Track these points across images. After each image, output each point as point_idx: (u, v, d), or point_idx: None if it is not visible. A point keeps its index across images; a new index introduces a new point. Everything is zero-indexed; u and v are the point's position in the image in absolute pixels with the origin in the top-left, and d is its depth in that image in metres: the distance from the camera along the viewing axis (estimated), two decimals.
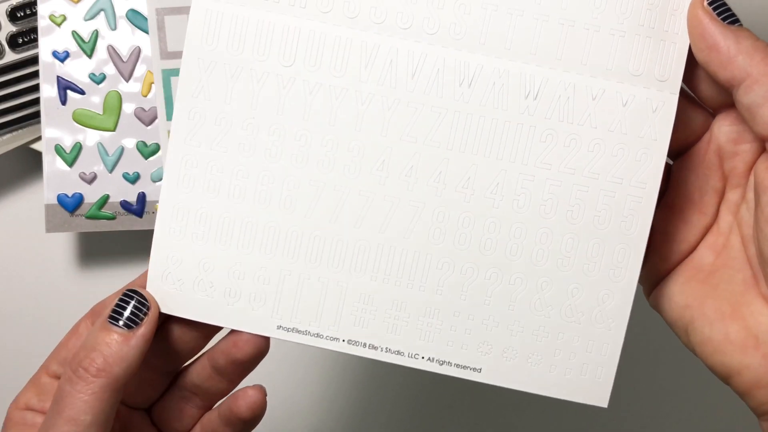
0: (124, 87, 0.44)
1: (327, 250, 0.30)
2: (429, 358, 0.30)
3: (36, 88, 0.45)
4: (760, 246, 0.28)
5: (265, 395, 0.32)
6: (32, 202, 0.49)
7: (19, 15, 0.44)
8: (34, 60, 0.44)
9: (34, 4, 0.43)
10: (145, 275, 0.31)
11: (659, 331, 0.33)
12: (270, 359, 0.32)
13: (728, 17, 0.28)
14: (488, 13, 0.29)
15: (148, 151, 0.44)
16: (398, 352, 0.30)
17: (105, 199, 0.44)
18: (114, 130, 0.44)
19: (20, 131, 0.45)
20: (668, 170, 0.32)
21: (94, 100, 0.44)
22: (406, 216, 0.30)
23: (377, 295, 0.30)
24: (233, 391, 0.33)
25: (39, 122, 0.44)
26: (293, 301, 0.30)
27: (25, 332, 0.51)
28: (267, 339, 0.31)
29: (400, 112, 0.30)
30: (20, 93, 0.45)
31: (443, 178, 0.30)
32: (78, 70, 0.44)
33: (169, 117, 0.44)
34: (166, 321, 0.32)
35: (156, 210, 0.42)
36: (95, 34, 0.43)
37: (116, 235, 0.49)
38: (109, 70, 0.44)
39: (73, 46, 0.43)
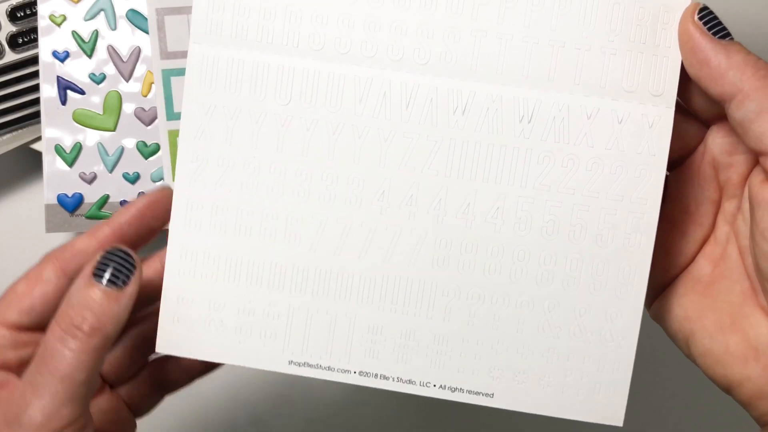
0: (124, 87, 0.44)
1: (333, 283, 0.31)
2: (441, 386, 0.31)
3: (36, 88, 0.44)
4: (756, 260, 0.28)
5: None
6: (32, 202, 0.49)
7: (19, 15, 0.44)
8: (34, 60, 0.44)
9: (34, 4, 0.43)
10: (119, 214, 0.31)
11: (666, 343, 0.33)
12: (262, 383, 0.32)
13: (719, 31, 0.28)
14: (477, 39, 0.29)
15: (148, 151, 0.44)
16: (410, 381, 0.31)
17: (105, 199, 0.44)
18: (114, 130, 0.44)
19: (20, 131, 0.45)
20: (664, 182, 0.32)
21: (94, 100, 0.44)
22: (410, 245, 0.30)
23: (386, 326, 0.31)
24: None
25: (39, 122, 0.44)
26: (303, 335, 0.31)
27: None
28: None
29: (396, 143, 0.30)
30: (20, 93, 0.45)
31: (444, 206, 0.30)
32: (78, 70, 0.44)
33: (169, 117, 0.44)
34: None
35: None
36: (95, 34, 0.43)
37: None
38: (109, 70, 0.44)
39: (73, 46, 0.43)
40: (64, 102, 0.44)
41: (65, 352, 0.27)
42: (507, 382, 0.30)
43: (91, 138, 0.44)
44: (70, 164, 0.44)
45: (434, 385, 0.31)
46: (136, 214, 0.31)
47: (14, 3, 0.44)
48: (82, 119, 0.44)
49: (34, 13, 0.44)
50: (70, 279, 0.30)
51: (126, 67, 0.44)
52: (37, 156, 0.47)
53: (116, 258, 0.29)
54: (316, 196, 0.30)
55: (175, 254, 0.31)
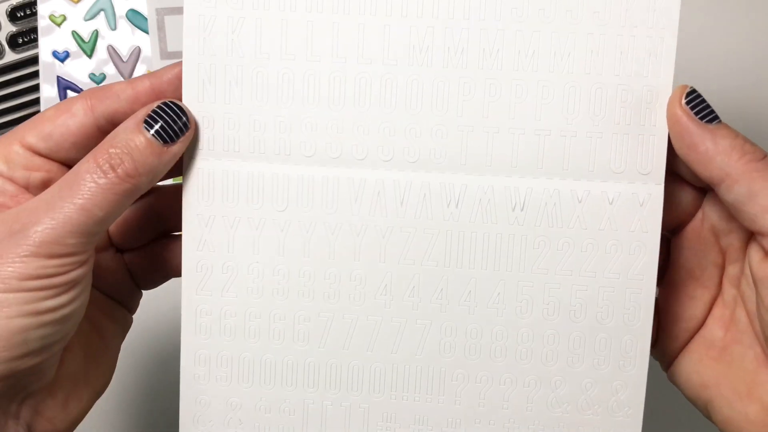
0: None
1: (345, 376, 0.31)
2: None
3: (36, 88, 0.45)
4: (765, 332, 0.29)
5: None
6: None
7: (19, 15, 0.44)
8: (34, 60, 0.45)
9: (34, 4, 0.44)
10: (162, 71, 0.30)
11: (679, 401, 0.34)
12: None
13: (706, 115, 0.28)
14: (465, 134, 0.30)
15: None
16: None
17: None
18: None
19: None
20: (667, 247, 0.32)
21: None
22: (415, 334, 0.31)
23: (399, 412, 0.31)
24: None
25: None
26: (320, 428, 0.32)
27: None
28: None
29: (394, 239, 0.31)
30: (20, 93, 0.45)
31: (445, 295, 0.31)
32: (78, 70, 0.44)
33: None
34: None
35: None
36: (95, 34, 0.44)
37: None
38: (109, 70, 0.44)
39: (73, 46, 0.44)
40: None
41: (92, 185, 0.27)
42: None
43: None
44: None
45: None
46: (179, 75, 0.30)
47: (14, 3, 0.44)
48: None
49: (34, 13, 0.44)
50: (96, 118, 0.29)
51: (126, 67, 0.44)
52: None
53: (171, 113, 0.28)
54: (321, 295, 0.31)
55: (188, 360, 0.32)
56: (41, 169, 0.30)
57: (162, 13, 0.43)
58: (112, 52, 0.44)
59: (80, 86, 0.44)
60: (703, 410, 0.31)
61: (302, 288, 0.31)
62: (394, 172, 0.30)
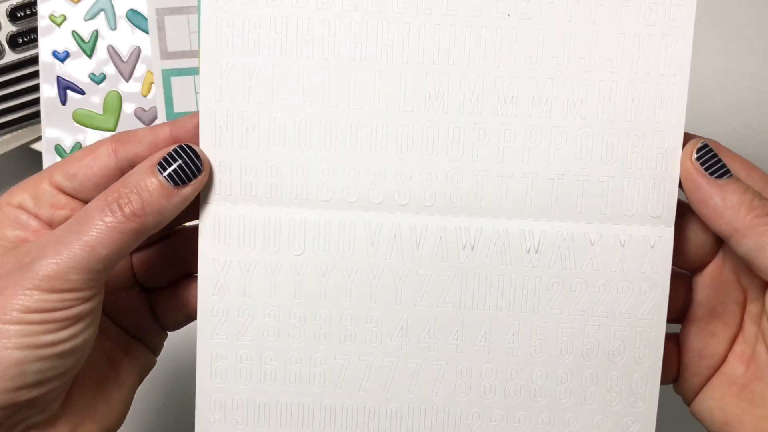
0: (124, 87, 0.44)
1: (361, 418, 0.32)
2: None
3: (36, 88, 0.45)
4: None
5: None
6: None
7: (19, 15, 0.44)
8: (34, 60, 0.44)
9: (34, 4, 0.43)
10: (183, 120, 0.30)
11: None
12: None
13: (717, 170, 0.29)
14: (479, 178, 0.30)
15: None
16: None
17: None
18: (114, 130, 0.44)
19: (20, 131, 0.46)
20: (689, 286, 0.33)
21: (94, 100, 0.44)
22: (431, 375, 0.31)
23: None
24: None
25: (39, 122, 0.44)
26: None
27: None
28: None
29: (410, 282, 0.31)
30: (20, 93, 0.45)
31: (461, 335, 0.31)
32: (78, 70, 0.44)
33: (169, 117, 0.44)
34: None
35: None
36: (95, 34, 0.44)
37: None
38: (109, 70, 0.44)
39: (73, 46, 0.44)
40: (64, 102, 0.44)
41: (98, 223, 0.28)
42: None
43: (91, 138, 0.44)
44: None
45: None
46: (198, 125, 0.30)
47: (14, 3, 0.44)
48: (82, 119, 0.44)
49: (34, 13, 0.44)
50: (119, 161, 0.30)
51: (126, 67, 0.44)
52: (37, 156, 0.47)
53: (184, 156, 0.29)
54: (337, 337, 0.31)
55: (203, 404, 0.32)
56: (66, 207, 0.30)
57: (162, 13, 0.43)
58: (112, 52, 0.44)
59: (80, 86, 0.44)
60: None
61: (318, 330, 0.31)
62: (410, 216, 0.31)
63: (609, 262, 0.31)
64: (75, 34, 0.43)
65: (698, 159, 0.29)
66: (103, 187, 0.30)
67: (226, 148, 0.30)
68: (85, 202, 0.30)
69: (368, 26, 0.30)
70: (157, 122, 0.44)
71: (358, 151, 0.30)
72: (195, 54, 0.44)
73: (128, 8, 0.43)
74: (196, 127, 0.30)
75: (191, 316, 0.34)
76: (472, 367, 0.31)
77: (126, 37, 0.44)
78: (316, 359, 0.31)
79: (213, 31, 0.30)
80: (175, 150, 0.29)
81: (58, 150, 0.44)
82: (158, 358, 0.36)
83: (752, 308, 0.32)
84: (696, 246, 0.32)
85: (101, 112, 0.44)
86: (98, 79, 0.44)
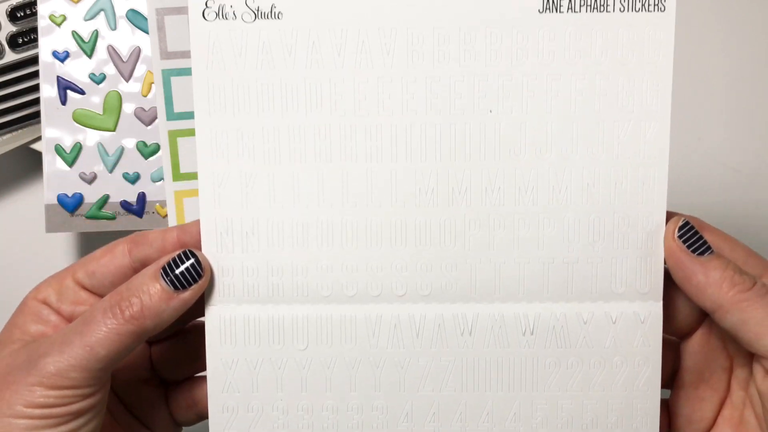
0: (124, 87, 0.44)
1: None
2: None
3: (36, 88, 0.45)
4: None
5: None
6: (32, 202, 0.49)
7: (19, 15, 0.44)
8: (34, 60, 0.44)
9: (34, 4, 0.44)
10: (192, 225, 0.32)
11: None
12: None
13: (698, 247, 0.30)
14: (473, 266, 0.32)
15: (148, 151, 0.44)
16: None
17: (105, 199, 0.44)
18: (114, 130, 0.44)
19: (20, 131, 0.45)
20: (678, 351, 0.34)
21: (94, 100, 0.44)
22: None
23: None
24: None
25: (39, 122, 0.44)
26: None
27: None
28: None
29: (412, 369, 0.32)
30: (20, 93, 0.45)
31: (464, 417, 0.32)
32: (78, 70, 0.44)
33: (169, 117, 0.44)
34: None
35: (156, 210, 0.45)
36: (95, 34, 0.44)
37: (116, 235, 0.48)
38: (109, 70, 0.44)
39: (73, 46, 0.44)
40: (64, 102, 0.44)
41: (100, 324, 0.29)
42: None
43: (91, 138, 0.44)
44: (70, 164, 0.44)
45: None
46: None
47: (14, 3, 0.44)
48: (82, 119, 0.44)
49: (34, 13, 0.44)
50: (132, 261, 0.32)
51: (126, 67, 0.44)
52: (37, 156, 0.47)
53: (186, 261, 0.30)
54: (345, 426, 0.32)
55: None
56: (86, 303, 0.32)
57: (162, 13, 0.43)
58: (112, 52, 0.44)
59: (80, 86, 0.44)
60: None
61: (326, 422, 0.32)
62: (409, 306, 0.32)
63: (602, 339, 0.32)
64: (75, 34, 0.43)
65: (680, 237, 0.30)
66: (119, 284, 0.31)
67: (228, 252, 0.32)
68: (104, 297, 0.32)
69: (357, 129, 0.31)
70: (157, 122, 0.44)
71: (354, 247, 0.32)
72: None
73: (128, 8, 0.43)
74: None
75: (203, 415, 0.35)
76: None
77: (126, 37, 0.44)
78: None
79: (208, 143, 0.31)
80: (178, 255, 0.31)
81: (58, 150, 0.44)
82: None
83: (739, 373, 0.33)
84: (683, 315, 0.33)
85: (101, 112, 0.44)
86: (98, 79, 0.44)
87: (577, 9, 0.30)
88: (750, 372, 0.32)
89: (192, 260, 0.31)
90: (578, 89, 0.31)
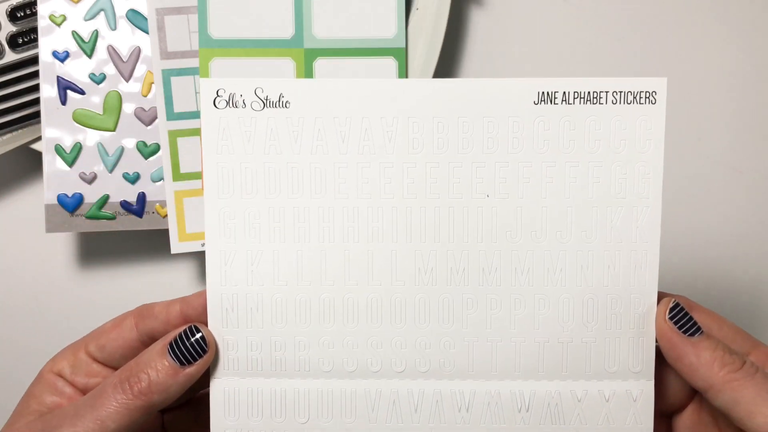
0: (124, 87, 0.44)
1: None
2: None
3: (36, 88, 0.44)
4: None
5: None
6: (32, 202, 0.49)
7: (19, 15, 0.44)
8: (34, 60, 0.44)
9: (34, 4, 0.44)
10: (194, 298, 0.33)
11: None
12: None
13: (689, 328, 0.31)
14: (470, 344, 0.33)
15: (148, 151, 0.44)
16: None
17: (105, 199, 0.44)
18: (114, 130, 0.44)
19: (20, 131, 0.45)
20: (670, 425, 0.35)
21: (94, 100, 0.44)
22: None
23: None
24: None
25: (39, 122, 0.44)
26: None
27: (26, 332, 0.51)
28: None
29: None
30: (20, 93, 0.45)
31: None
32: (78, 70, 0.44)
33: (169, 117, 0.44)
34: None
35: (156, 210, 0.45)
36: (95, 34, 0.44)
37: (116, 235, 0.50)
38: (109, 70, 0.44)
39: (73, 46, 0.43)
40: (64, 102, 0.44)
41: (110, 399, 0.30)
42: None
43: (91, 138, 0.44)
44: (70, 164, 0.44)
45: None
46: (205, 303, 0.33)
47: (14, 3, 0.44)
48: (82, 119, 0.44)
49: (34, 13, 0.44)
50: (140, 334, 0.33)
51: (126, 67, 0.44)
52: (37, 156, 0.47)
53: (192, 337, 0.32)
54: None
55: None
56: (99, 375, 0.34)
57: (162, 13, 0.43)
58: (112, 52, 0.44)
59: (80, 86, 0.44)
60: None
61: None
62: (407, 382, 0.33)
63: (595, 417, 0.33)
64: (75, 34, 0.44)
65: (671, 318, 0.31)
66: (129, 357, 0.33)
67: (233, 327, 0.33)
68: (115, 369, 0.33)
69: (359, 211, 0.32)
70: (157, 122, 0.44)
71: (355, 325, 0.33)
72: (195, 54, 0.44)
73: (128, 8, 0.44)
74: (204, 305, 0.33)
75: None
76: None
77: (126, 37, 0.44)
78: None
79: (216, 223, 0.32)
80: (184, 331, 0.32)
81: (58, 150, 0.44)
82: None
83: None
84: (675, 392, 0.34)
85: (101, 112, 0.44)
86: (98, 79, 0.44)
87: (571, 101, 0.32)
88: None
89: (197, 336, 0.32)
90: (572, 176, 0.32)
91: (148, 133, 0.45)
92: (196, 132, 0.44)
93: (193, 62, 0.44)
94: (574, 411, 0.33)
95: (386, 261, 0.32)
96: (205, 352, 0.32)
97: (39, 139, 0.45)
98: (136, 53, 0.44)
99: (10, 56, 0.44)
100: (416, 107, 0.32)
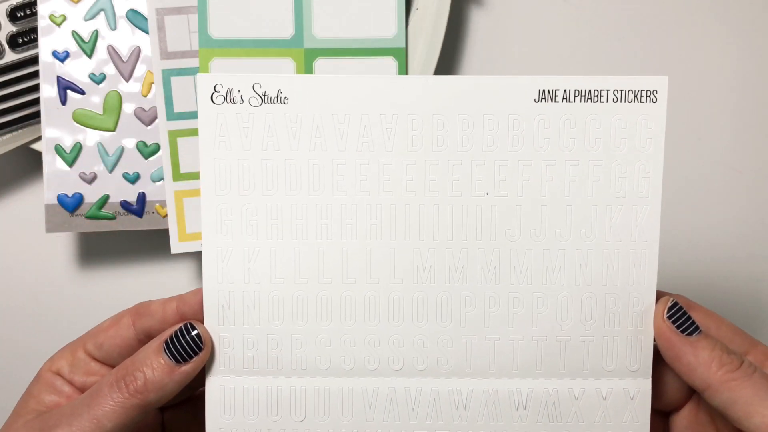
0: (124, 87, 0.44)
1: None
2: None
3: (36, 88, 0.44)
4: None
5: None
6: (32, 202, 0.49)
7: (19, 15, 0.44)
8: (34, 60, 0.44)
9: (34, 4, 0.44)
10: (190, 296, 0.32)
11: None
12: None
13: (687, 327, 0.31)
14: (468, 343, 0.32)
15: (148, 151, 0.44)
16: None
17: (105, 199, 0.44)
18: (114, 130, 0.44)
19: (20, 131, 0.45)
20: (667, 424, 0.35)
21: (94, 100, 0.44)
22: None
23: None
24: None
25: (39, 122, 0.44)
26: None
27: (26, 332, 0.50)
28: None
29: None
30: (20, 93, 0.45)
31: None
32: (78, 70, 0.44)
33: (169, 117, 0.44)
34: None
35: (156, 210, 0.44)
36: (95, 34, 0.44)
37: (116, 235, 0.50)
38: (109, 70, 0.44)
39: (73, 46, 0.43)
40: (64, 102, 0.44)
41: (106, 398, 0.30)
42: None
43: (91, 138, 0.44)
44: (70, 164, 0.44)
45: None
46: (201, 301, 0.33)
47: (14, 3, 0.44)
48: (82, 119, 0.44)
49: (34, 13, 0.44)
50: (137, 332, 0.33)
51: (126, 67, 0.44)
52: (37, 156, 0.47)
53: (186, 335, 0.31)
54: None
55: None
56: (97, 373, 0.33)
57: (162, 13, 0.43)
58: (112, 52, 0.44)
59: (80, 86, 0.44)
60: None
61: None
62: (405, 380, 0.33)
63: (592, 415, 0.33)
64: (75, 34, 0.44)
65: (670, 318, 0.31)
66: (126, 355, 0.33)
67: (229, 325, 0.32)
68: (113, 367, 0.33)
69: (357, 208, 0.32)
70: (157, 122, 0.44)
71: (352, 323, 0.32)
72: (195, 54, 0.44)
73: (128, 8, 0.44)
74: (200, 303, 0.33)
75: None
76: None
77: (126, 37, 0.44)
78: None
79: (213, 220, 0.32)
80: (180, 329, 0.32)
81: (58, 150, 0.44)
82: None
83: None
84: (672, 391, 0.33)
85: (101, 112, 0.44)
86: (98, 79, 0.44)
87: (572, 99, 0.31)
88: None
89: (193, 333, 0.32)
90: (572, 174, 0.32)
91: (148, 133, 0.45)
92: (197, 132, 0.44)
93: (193, 62, 0.44)
94: (572, 409, 0.33)
95: (384, 258, 0.32)
96: (200, 349, 0.32)
97: (39, 139, 0.45)
98: (136, 53, 0.44)
99: (10, 56, 0.44)
100: (416, 104, 0.32)
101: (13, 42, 0.44)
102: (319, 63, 0.44)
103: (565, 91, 0.31)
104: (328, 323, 0.32)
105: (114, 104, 0.44)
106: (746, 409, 0.30)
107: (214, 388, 0.33)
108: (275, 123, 0.32)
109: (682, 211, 0.48)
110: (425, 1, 0.45)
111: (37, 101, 0.45)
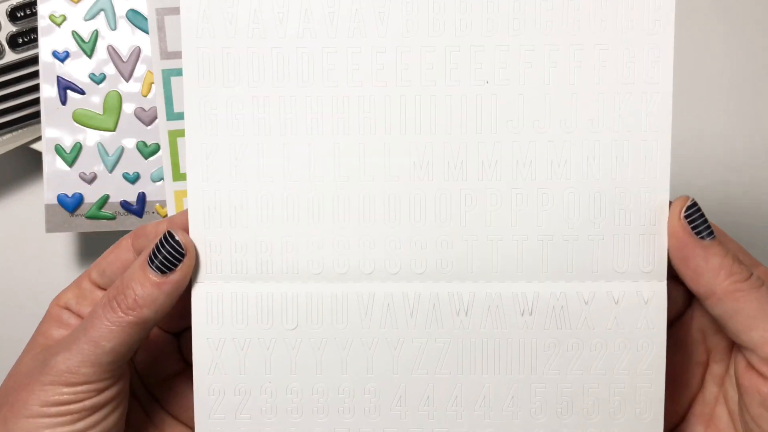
0: (124, 87, 0.44)
1: None
2: None
3: (36, 88, 0.45)
4: None
5: None
6: (32, 202, 0.50)
7: (19, 15, 0.44)
8: (34, 60, 0.44)
9: (34, 4, 0.44)
10: (185, 214, 0.31)
11: None
12: None
13: (702, 230, 0.29)
14: (469, 244, 0.31)
15: (148, 151, 0.44)
16: None
17: (105, 199, 0.44)
18: (114, 130, 0.44)
19: (20, 131, 0.45)
20: None
21: (94, 100, 0.44)
22: None
23: None
24: None
25: (39, 122, 0.44)
26: None
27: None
28: None
29: (406, 350, 0.31)
30: (20, 93, 0.45)
31: (460, 401, 0.31)
32: (78, 70, 0.44)
33: (169, 117, 0.44)
34: None
35: (156, 210, 0.44)
36: (95, 34, 0.44)
37: (116, 235, 0.48)
38: (109, 70, 0.44)
39: (73, 46, 0.43)
40: (64, 102, 0.44)
41: (101, 319, 0.30)
42: None
43: (91, 138, 0.44)
44: (70, 164, 0.44)
45: None
46: None
47: (14, 3, 0.44)
48: (82, 119, 0.44)
49: (34, 13, 0.44)
50: (135, 254, 0.32)
51: (126, 67, 0.44)
52: (37, 156, 0.47)
53: (167, 245, 0.30)
54: (335, 411, 0.31)
55: None
56: None
57: (162, 13, 0.43)
58: (112, 52, 0.44)
59: (80, 86, 0.44)
60: None
61: (316, 405, 0.31)
62: (402, 285, 0.31)
63: (604, 320, 0.31)
64: (75, 34, 0.43)
65: (687, 218, 0.29)
66: None
67: (216, 227, 0.31)
68: None
69: (350, 100, 0.30)
70: (157, 122, 0.44)
71: (346, 223, 0.31)
72: None
73: (128, 8, 0.44)
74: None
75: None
76: None
77: (126, 37, 0.44)
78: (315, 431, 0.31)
79: (196, 113, 0.30)
80: (160, 240, 0.30)
81: (58, 150, 0.44)
82: None
83: (715, 369, 0.32)
84: (669, 301, 0.31)
85: (101, 112, 0.44)
86: (98, 79, 0.44)
87: None
88: (726, 368, 0.31)
89: (171, 241, 0.30)
90: (577, 60, 0.30)
91: (148, 133, 0.44)
92: None
93: None
94: (581, 314, 0.31)
95: (379, 154, 0.30)
96: (183, 255, 0.30)
97: (39, 139, 0.45)
98: (136, 53, 0.44)
99: (10, 56, 0.45)
100: None
101: (13, 42, 0.44)
102: None
103: None
104: (321, 224, 0.31)
105: (114, 104, 0.44)
106: (747, 322, 0.28)
107: (200, 295, 0.31)
108: (261, 7, 0.30)
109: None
110: None
111: (37, 101, 0.45)
